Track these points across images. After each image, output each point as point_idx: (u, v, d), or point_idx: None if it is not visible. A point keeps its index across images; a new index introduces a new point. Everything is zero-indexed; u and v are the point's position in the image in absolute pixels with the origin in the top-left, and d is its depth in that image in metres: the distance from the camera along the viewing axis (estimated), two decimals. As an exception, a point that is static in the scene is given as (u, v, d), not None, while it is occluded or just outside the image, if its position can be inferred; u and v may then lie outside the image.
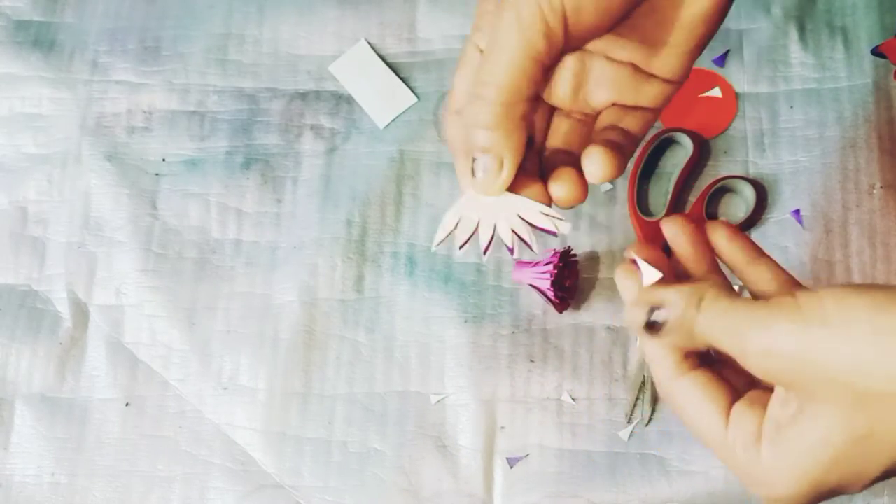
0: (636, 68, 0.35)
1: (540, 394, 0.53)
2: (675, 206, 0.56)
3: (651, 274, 0.35)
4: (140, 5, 0.63)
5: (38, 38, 0.62)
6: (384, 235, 0.57)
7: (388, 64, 0.61)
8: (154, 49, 0.62)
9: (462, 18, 0.61)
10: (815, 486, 0.32)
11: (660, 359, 0.36)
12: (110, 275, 0.57)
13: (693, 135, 0.56)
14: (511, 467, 0.52)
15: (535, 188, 0.35)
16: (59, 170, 0.59)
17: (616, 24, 0.33)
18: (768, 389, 0.34)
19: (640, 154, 0.56)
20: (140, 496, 0.53)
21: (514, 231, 0.36)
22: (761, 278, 0.37)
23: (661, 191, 0.57)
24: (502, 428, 0.53)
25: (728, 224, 0.38)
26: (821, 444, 0.31)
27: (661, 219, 0.36)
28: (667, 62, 0.35)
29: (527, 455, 0.53)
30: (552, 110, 0.37)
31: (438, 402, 0.54)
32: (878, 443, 0.30)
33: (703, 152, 0.57)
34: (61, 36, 0.63)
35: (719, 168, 0.57)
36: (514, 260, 0.55)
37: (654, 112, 0.37)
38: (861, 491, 0.32)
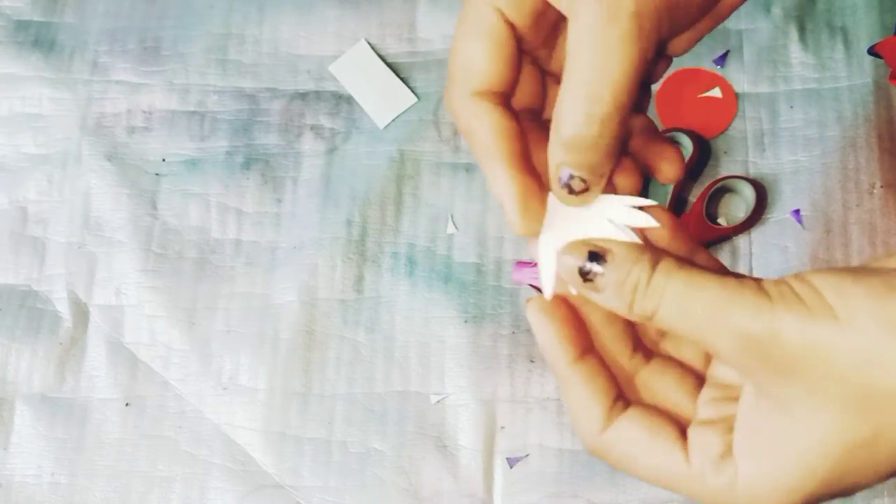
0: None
1: (540, 394, 0.53)
2: (675, 206, 0.56)
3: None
4: (140, 5, 0.63)
5: (38, 38, 0.62)
6: (384, 235, 0.57)
7: (388, 64, 0.61)
8: (154, 49, 0.62)
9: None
10: (810, 494, 0.28)
11: (586, 408, 0.31)
12: (110, 275, 0.57)
13: (693, 135, 0.56)
14: (511, 467, 0.52)
15: (625, 175, 0.32)
16: (59, 170, 0.59)
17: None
18: (718, 400, 0.31)
19: (640, 154, 0.56)
20: (140, 496, 0.53)
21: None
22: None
23: (661, 191, 0.57)
24: (502, 428, 0.53)
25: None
26: (816, 451, 0.28)
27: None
28: (681, 43, 0.34)
29: (527, 455, 0.53)
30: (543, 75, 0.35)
31: (438, 402, 0.54)
32: (881, 449, 0.27)
33: (703, 152, 0.57)
34: (61, 36, 0.63)
35: (719, 168, 0.57)
36: (515, 260, 0.55)
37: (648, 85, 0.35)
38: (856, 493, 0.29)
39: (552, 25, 0.34)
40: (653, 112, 0.58)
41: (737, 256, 0.55)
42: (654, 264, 0.29)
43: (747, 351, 0.28)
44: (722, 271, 0.30)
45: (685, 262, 0.29)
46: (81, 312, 0.57)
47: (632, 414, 0.31)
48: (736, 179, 0.56)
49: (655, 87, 0.58)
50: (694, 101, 0.58)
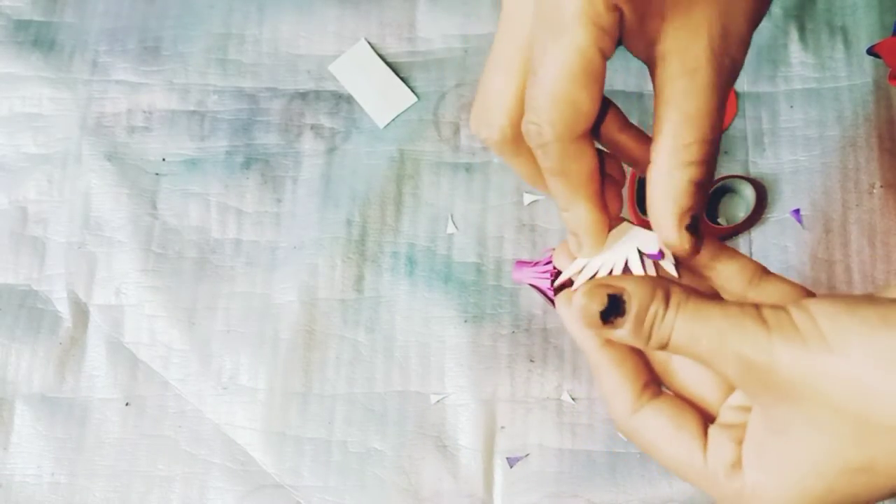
0: None
1: (540, 394, 0.53)
2: (675, 206, 0.56)
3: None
4: (140, 5, 0.63)
5: (38, 38, 0.62)
6: (384, 235, 0.57)
7: (388, 64, 0.61)
8: (154, 49, 0.62)
9: (462, 18, 0.61)
10: None
11: (616, 393, 0.33)
12: (110, 275, 0.57)
13: (693, 134, 0.56)
14: (511, 467, 0.52)
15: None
16: (59, 170, 0.59)
17: None
18: (740, 408, 0.32)
19: (640, 154, 0.56)
20: (140, 496, 0.53)
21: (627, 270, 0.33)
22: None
23: (661, 190, 0.57)
24: (502, 428, 0.53)
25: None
26: (813, 472, 0.29)
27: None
28: None
29: (527, 455, 0.53)
30: None
31: (438, 401, 0.54)
32: (876, 477, 0.28)
33: (703, 152, 0.57)
34: (61, 36, 0.63)
35: (719, 168, 0.57)
36: (515, 259, 0.55)
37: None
38: None
39: None
40: (653, 112, 0.58)
41: (737, 256, 0.55)
42: (667, 299, 0.30)
43: (748, 377, 0.29)
44: (726, 300, 0.32)
45: (693, 292, 0.31)
46: (81, 312, 0.57)
47: (660, 403, 0.33)
48: (736, 179, 0.56)
49: (655, 87, 0.58)
50: (694, 100, 0.58)
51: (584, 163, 0.33)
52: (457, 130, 0.58)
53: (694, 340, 0.30)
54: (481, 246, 0.56)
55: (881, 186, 0.55)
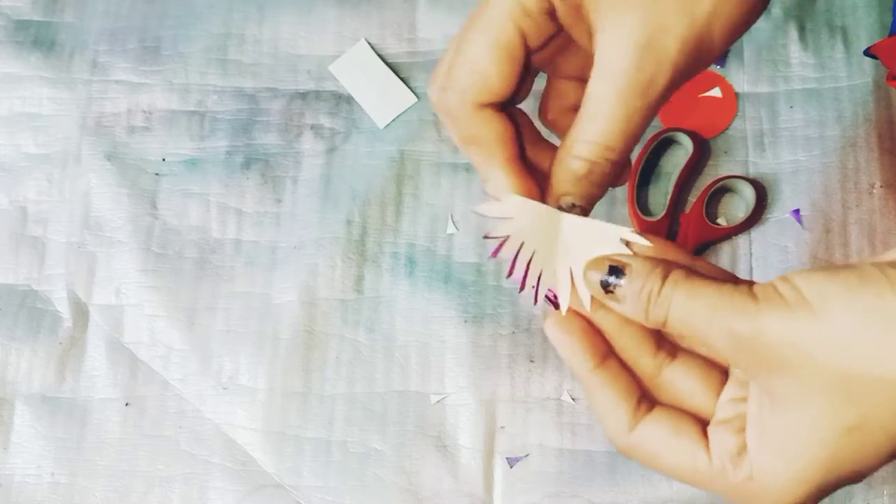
0: None
1: (540, 394, 0.53)
2: (675, 206, 0.56)
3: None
4: (140, 5, 0.63)
5: (38, 38, 0.62)
6: (384, 235, 0.57)
7: (388, 64, 0.61)
8: (154, 49, 0.62)
9: (462, 18, 0.60)
10: (819, 484, 0.30)
11: (612, 412, 0.33)
12: (110, 274, 0.57)
13: (693, 135, 0.56)
14: (511, 467, 0.52)
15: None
16: (58, 169, 0.59)
17: None
18: (735, 400, 0.33)
19: (640, 154, 0.56)
20: (140, 496, 0.53)
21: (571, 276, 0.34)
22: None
23: (661, 191, 0.57)
24: (502, 428, 0.53)
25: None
26: (813, 440, 0.29)
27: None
28: None
29: (527, 455, 0.53)
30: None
31: (438, 401, 0.54)
32: (871, 433, 0.29)
33: (703, 152, 0.57)
34: (61, 36, 0.63)
35: (719, 168, 0.57)
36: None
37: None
38: (863, 479, 0.31)
39: (556, 42, 0.36)
40: (653, 112, 0.58)
41: (737, 256, 0.55)
42: (665, 275, 0.31)
43: (738, 349, 0.30)
44: (725, 278, 0.32)
45: (692, 272, 0.32)
46: (81, 312, 0.57)
47: (656, 415, 0.33)
48: (736, 179, 0.56)
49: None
50: (694, 100, 0.58)
51: (493, 128, 0.34)
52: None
53: (689, 315, 0.31)
54: (481, 246, 0.56)
55: (881, 186, 0.55)
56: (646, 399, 0.34)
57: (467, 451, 0.53)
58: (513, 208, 0.34)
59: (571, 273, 0.34)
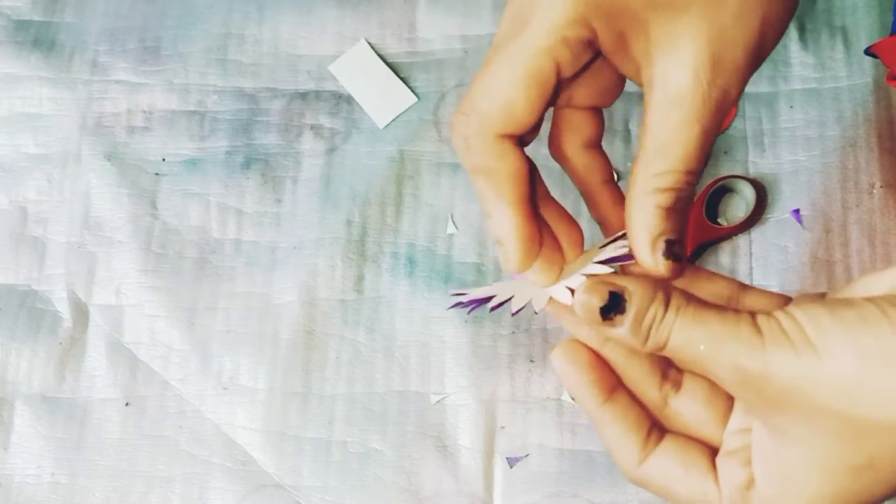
0: None
1: (540, 394, 0.53)
2: (675, 206, 0.56)
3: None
4: (140, 5, 0.63)
5: (38, 38, 0.62)
6: (384, 235, 0.57)
7: (388, 64, 0.61)
8: (154, 49, 0.62)
9: (462, 18, 0.61)
10: None
11: (621, 446, 0.33)
12: (110, 275, 0.57)
13: (693, 135, 0.56)
14: (511, 467, 0.52)
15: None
16: (58, 170, 0.59)
17: None
18: (741, 431, 0.33)
19: (640, 154, 0.56)
20: (140, 496, 0.53)
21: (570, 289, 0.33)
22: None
23: (661, 191, 0.57)
24: (502, 428, 0.53)
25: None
26: (821, 476, 0.29)
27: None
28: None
29: (527, 455, 0.53)
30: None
31: (438, 401, 0.54)
32: (881, 472, 0.29)
33: (702, 152, 0.57)
34: (61, 36, 0.63)
35: (719, 168, 0.57)
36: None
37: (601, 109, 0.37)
38: None
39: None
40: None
41: (737, 256, 0.55)
42: (667, 300, 0.30)
43: (744, 385, 0.29)
44: (708, 278, 0.33)
45: (692, 297, 0.31)
46: (81, 312, 0.57)
47: (665, 448, 0.33)
48: (736, 179, 0.56)
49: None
50: (694, 100, 0.58)
51: (508, 163, 0.32)
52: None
53: (691, 344, 0.30)
54: (481, 246, 0.56)
55: (881, 186, 0.55)
56: (655, 430, 0.33)
57: (467, 451, 0.53)
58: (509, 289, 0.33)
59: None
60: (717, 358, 0.29)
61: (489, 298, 0.34)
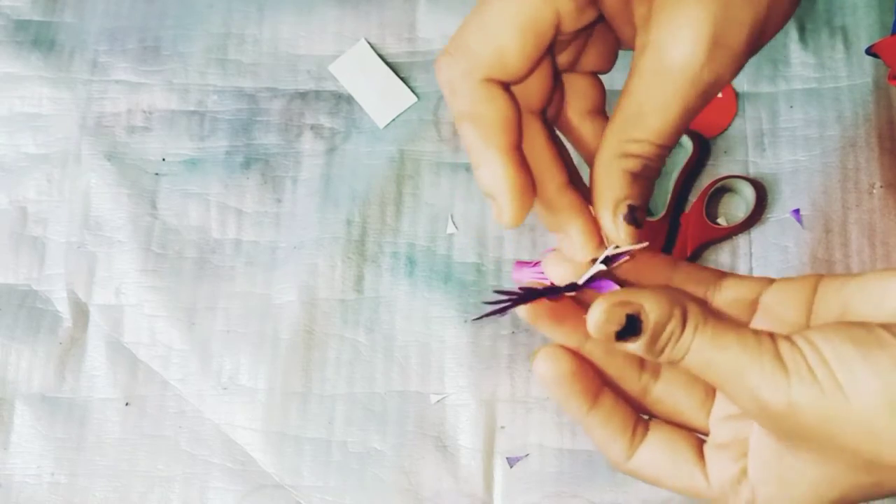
0: None
1: (540, 394, 0.53)
2: (675, 206, 0.56)
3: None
4: (140, 5, 0.63)
5: (38, 38, 0.62)
6: (384, 235, 0.57)
7: (388, 64, 0.61)
8: (154, 49, 0.62)
9: (462, 18, 0.60)
10: None
11: (608, 446, 0.33)
12: (110, 274, 0.57)
13: (693, 134, 0.56)
14: (511, 467, 0.52)
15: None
16: (58, 169, 0.59)
17: None
18: (729, 418, 0.33)
19: (640, 154, 0.56)
20: (140, 496, 0.53)
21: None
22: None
23: (661, 190, 0.57)
24: (502, 428, 0.53)
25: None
26: (824, 483, 0.29)
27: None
28: (628, 28, 0.35)
29: (527, 455, 0.53)
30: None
31: (438, 401, 0.54)
32: (884, 489, 0.29)
33: (703, 152, 0.57)
34: (61, 36, 0.63)
35: (719, 168, 0.57)
36: (515, 260, 0.55)
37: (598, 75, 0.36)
38: None
39: (588, 29, 0.33)
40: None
41: (737, 256, 0.55)
42: (685, 318, 0.29)
43: (765, 417, 0.29)
44: (710, 278, 0.33)
45: (709, 312, 0.30)
46: (81, 312, 0.57)
47: (652, 441, 0.33)
48: (736, 179, 0.56)
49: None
50: (694, 100, 0.58)
51: (496, 108, 0.30)
52: (457, 130, 0.58)
53: (709, 367, 0.29)
54: (481, 246, 0.56)
55: (881, 186, 0.55)
56: (641, 425, 0.34)
57: (467, 451, 0.53)
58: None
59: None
60: (737, 386, 0.29)
61: (520, 297, 0.33)
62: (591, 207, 0.33)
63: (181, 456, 0.54)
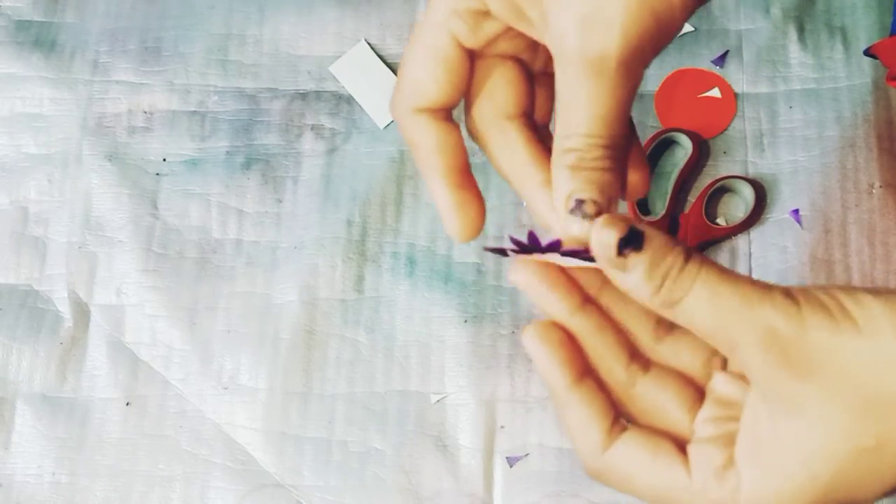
0: None
1: (540, 393, 0.53)
2: (675, 206, 0.56)
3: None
4: (141, 5, 0.63)
5: (39, 39, 0.63)
6: (384, 235, 0.57)
7: (388, 64, 0.61)
8: (155, 49, 0.62)
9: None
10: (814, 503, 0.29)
11: (585, 431, 0.32)
12: (111, 275, 0.57)
13: (692, 135, 0.57)
14: (511, 467, 0.52)
15: (634, 169, 0.33)
16: (59, 170, 0.60)
17: None
18: (717, 419, 0.32)
19: (640, 154, 0.56)
20: (141, 495, 0.53)
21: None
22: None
23: (661, 191, 0.57)
24: (502, 427, 0.53)
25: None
26: (821, 455, 0.28)
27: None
28: None
29: (527, 455, 0.53)
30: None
31: (438, 401, 0.54)
32: (884, 458, 0.28)
33: (702, 152, 0.57)
34: (62, 36, 0.63)
35: (718, 168, 0.57)
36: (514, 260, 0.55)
37: None
38: None
39: (524, 37, 0.34)
40: (652, 112, 0.58)
41: (736, 256, 0.55)
42: (688, 255, 0.29)
43: (771, 347, 0.28)
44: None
45: (713, 261, 0.30)
46: (82, 312, 0.57)
47: (631, 433, 0.32)
48: (735, 179, 0.56)
49: (654, 88, 0.59)
50: (693, 101, 0.58)
51: (430, 136, 0.32)
52: None
53: (714, 301, 0.29)
54: (481, 246, 0.56)
55: (880, 186, 0.55)
56: (620, 421, 0.33)
57: (467, 451, 0.53)
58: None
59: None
60: (745, 317, 0.28)
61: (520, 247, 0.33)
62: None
63: (182, 455, 0.54)
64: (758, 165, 0.57)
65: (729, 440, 0.31)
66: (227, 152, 0.59)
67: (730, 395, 0.32)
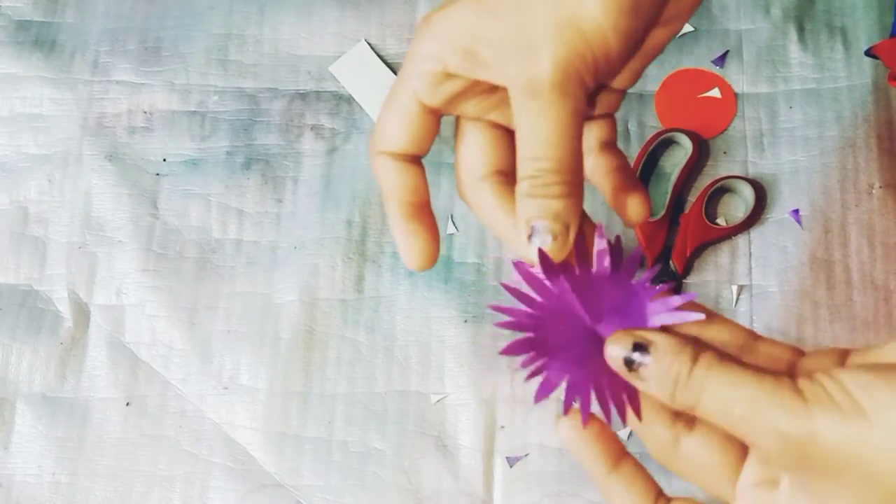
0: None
1: (540, 393, 0.53)
2: (675, 207, 0.56)
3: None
4: (141, 6, 0.63)
5: (39, 39, 0.63)
6: (384, 235, 0.57)
7: (387, 64, 0.61)
8: (155, 49, 0.62)
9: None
10: None
11: (591, 457, 0.34)
12: (111, 275, 0.57)
13: (692, 135, 0.57)
14: (511, 467, 0.52)
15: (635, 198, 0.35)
16: (59, 170, 0.60)
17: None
18: (757, 485, 0.32)
19: (640, 154, 0.56)
20: (141, 495, 0.53)
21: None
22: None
23: (661, 191, 0.57)
24: (502, 427, 0.53)
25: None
26: None
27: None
28: (622, 78, 0.35)
29: (527, 455, 0.53)
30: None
31: (438, 401, 0.54)
32: None
33: (702, 152, 0.57)
34: (62, 36, 0.63)
35: (719, 168, 0.57)
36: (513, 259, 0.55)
37: (612, 114, 0.37)
38: None
39: (484, 90, 0.35)
40: (652, 112, 0.58)
41: (736, 256, 0.55)
42: (696, 358, 0.30)
43: (786, 450, 0.29)
44: (781, 355, 0.33)
45: (726, 355, 0.30)
46: (82, 312, 0.57)
47: (625, 468, 0.33)
48: (735, 179, 0.56)
49: (654, 88, 0.59)
50: (693, 101, 0.58)
51: (389, 176, 0.36)
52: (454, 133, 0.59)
53: (726, 405, 0.29)
54: (481, 246, 0.56)
55: (880, 187, 0.55)
56: (663, 498, 0.34)
57: (467, 451, 0.53)
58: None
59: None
60: (756, 422, 0.29)
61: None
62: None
63: (182, 455, 0.54)
64: (758, 165, 0.57)
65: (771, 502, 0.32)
66: (227, 152, 0.59)
67: None
